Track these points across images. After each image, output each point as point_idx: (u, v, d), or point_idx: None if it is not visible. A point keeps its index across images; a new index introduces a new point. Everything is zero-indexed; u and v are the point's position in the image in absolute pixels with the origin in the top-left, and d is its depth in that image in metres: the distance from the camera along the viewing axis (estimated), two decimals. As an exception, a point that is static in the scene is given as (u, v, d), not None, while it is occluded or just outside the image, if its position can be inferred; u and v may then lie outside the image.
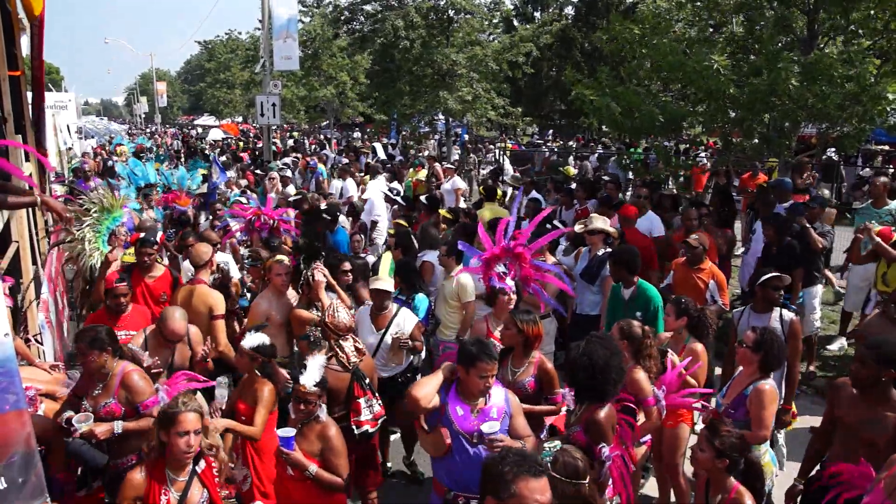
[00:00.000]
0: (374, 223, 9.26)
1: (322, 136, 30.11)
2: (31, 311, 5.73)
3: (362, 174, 13.38)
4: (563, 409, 4.01)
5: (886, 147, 19.00)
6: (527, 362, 4.08)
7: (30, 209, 6.39)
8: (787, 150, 9.18)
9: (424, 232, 6.94)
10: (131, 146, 25.62)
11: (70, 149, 19.98)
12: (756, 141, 9.32)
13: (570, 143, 26.94)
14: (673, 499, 4.62)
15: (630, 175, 12.70)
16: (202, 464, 3.24)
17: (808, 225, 6.73)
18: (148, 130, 50.62)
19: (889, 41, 8.54)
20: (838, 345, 7.50)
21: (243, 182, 13.21)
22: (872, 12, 8.19)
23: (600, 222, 6.33)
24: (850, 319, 7.65)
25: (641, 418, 3.76)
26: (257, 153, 21.50)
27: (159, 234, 7.16)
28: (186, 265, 6.22)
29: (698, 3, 9.67)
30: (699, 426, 4.07)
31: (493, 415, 3.37)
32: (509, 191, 11.75)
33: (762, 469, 3.34)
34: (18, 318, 5.37)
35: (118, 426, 3.71)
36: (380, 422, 4.31)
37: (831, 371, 6.97)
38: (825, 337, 7.69)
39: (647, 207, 7.79)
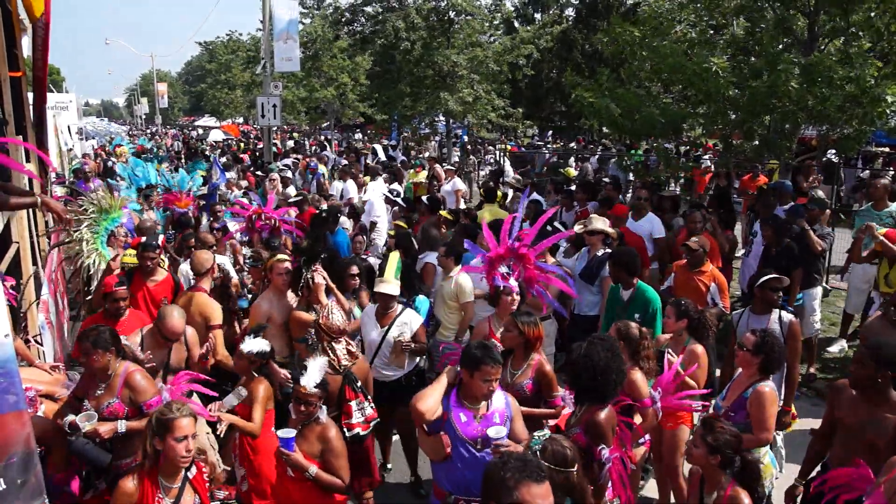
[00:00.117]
0: (374, 224, 9.26)
1: (322, 138, 30.04)
2: (31, 312, 5.73)
3: (363, 175, 13.36)
4: (563, 411, 4.01)
5: (887, 149, 19.00)
6: (525, 364, 4.06)
7: (30, 210, 6.39)
8: (787, 152, 9.18)
9: (425, 233, 6.91)
10: (131, 147, 25.62)
11: (71, 150, 19.99)
12: (756, 143, 9.32)
13: (571, 144, 26.90)
14: (673, 500, 4.61)
15: (630, 177, 12.71)
16: (193, 469, 3.23)
17: (807, 227, 6.73)
18: (148, 131, 50.59)
19: (889, 43, 8.53)
20: (839, 347, 7.50)
21: (244, 183, 13.19)
22: (873, 14, 8.20)
23: (600, 223, 6.33)
24: (850, 321, 7.64)
25: (638, 419, 3.75)
26: (258, 154, 21.47)
27: (160, 237, 7.14)
28: (185, 268, 6.19)
29: (699, 5, 9.67)
30: (699, 427, 4.06)
31: (495, 420, 3.36)
32: (510, 192, 11.73)
33: (760, 469, 3.33)
34: (18, 319, 5.37)
35: (122, 425, 3.72)
36: (372, 425, 4.30)
37: (832, 373, 6.96)
38: (826, 339, 7.69)
39: (648, 209, 7.78)
